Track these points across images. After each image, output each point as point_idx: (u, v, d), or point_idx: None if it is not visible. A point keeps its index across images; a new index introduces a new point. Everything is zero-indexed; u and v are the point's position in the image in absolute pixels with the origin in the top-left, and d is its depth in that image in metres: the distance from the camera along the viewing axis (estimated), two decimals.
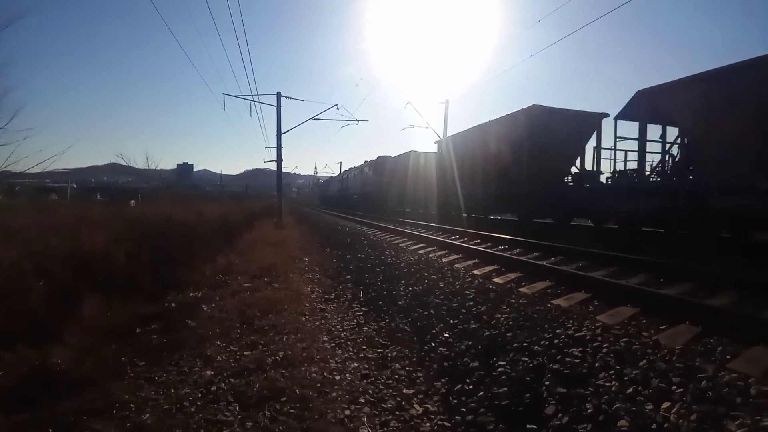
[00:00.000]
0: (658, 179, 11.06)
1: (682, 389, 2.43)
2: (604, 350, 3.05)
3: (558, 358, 3.12)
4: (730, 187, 7.76)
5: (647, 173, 11.17)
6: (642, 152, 11.09)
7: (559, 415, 2.56)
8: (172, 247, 8.07)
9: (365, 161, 34.16)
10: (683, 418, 2.20)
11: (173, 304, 5.79)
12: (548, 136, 12.98)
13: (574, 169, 14.07)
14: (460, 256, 7.74)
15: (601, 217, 12.08)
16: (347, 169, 46.02)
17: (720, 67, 8.36)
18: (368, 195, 31.43)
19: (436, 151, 21.62)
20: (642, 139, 11.03)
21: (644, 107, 10.45)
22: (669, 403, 2.34)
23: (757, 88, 7.48)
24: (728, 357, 2.82)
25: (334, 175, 61.43)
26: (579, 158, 13.97)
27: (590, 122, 13.51)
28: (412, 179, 23.30)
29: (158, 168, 24.90)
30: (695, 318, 3.52)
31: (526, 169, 13.43)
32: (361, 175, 35.08)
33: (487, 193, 16.04)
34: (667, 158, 11.41)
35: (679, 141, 10.91)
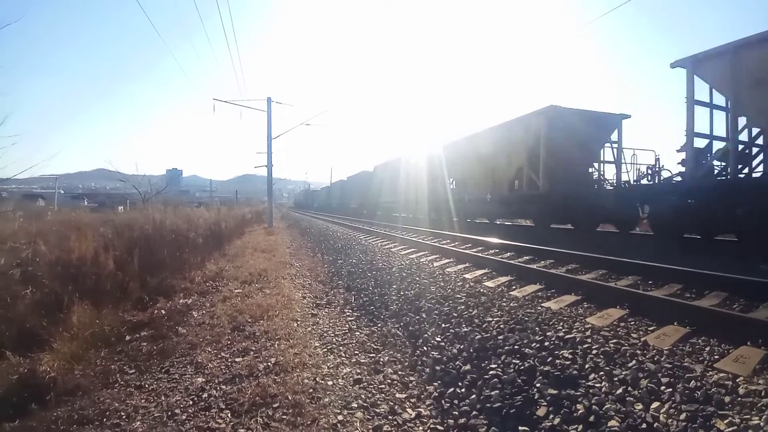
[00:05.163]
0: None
1: (671, 389, 2.46)
2: (594, 351, 3.09)
3: (549, 360, 3.15)
4: None
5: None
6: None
7: (551, 416, 2.58)
8: (162, 254, 8.02)
9: (306, 189, 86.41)
10: (672, 418, 2.23)
11: (163, 311, 5.74)
12: (567, 137, 12.38)
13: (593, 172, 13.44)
14: (452, 260, 7.76)
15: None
16: (306, 189, 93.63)
17: None
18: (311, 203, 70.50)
19: (441, 153, 20.85)
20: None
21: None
22: (658, 403, 2.38)
23: None
24: (716, 357, 2.87)
25: (314, 186, 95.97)
26: (596, 162, 13.43)
27: (610, 123, 12.99)
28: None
29: (147, 174, 24.76)
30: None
31: (544, 171, 12.76)
32: (308, 194, 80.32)
33: (500, 197, 15.26)
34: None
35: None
